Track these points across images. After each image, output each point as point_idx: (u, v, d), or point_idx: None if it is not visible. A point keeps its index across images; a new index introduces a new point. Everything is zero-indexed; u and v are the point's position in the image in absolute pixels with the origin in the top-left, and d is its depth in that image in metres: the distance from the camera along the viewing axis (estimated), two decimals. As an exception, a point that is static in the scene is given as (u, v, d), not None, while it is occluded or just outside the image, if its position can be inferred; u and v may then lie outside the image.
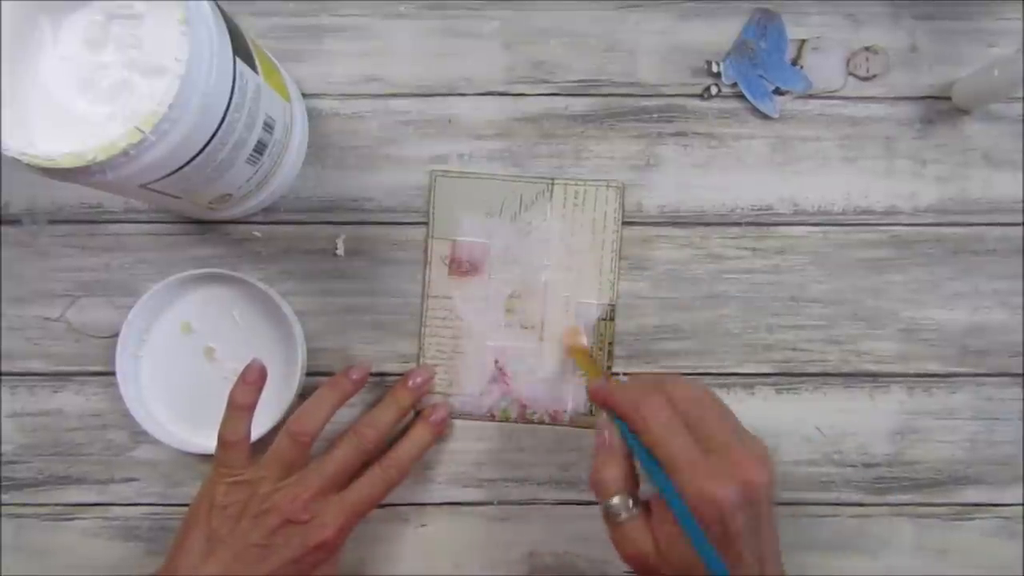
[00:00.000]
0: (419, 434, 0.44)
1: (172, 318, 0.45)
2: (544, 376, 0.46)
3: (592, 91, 0.47)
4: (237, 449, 0.40)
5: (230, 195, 0.40)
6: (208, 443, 0.44)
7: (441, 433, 0.45)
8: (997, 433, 0.46)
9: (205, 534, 0.38)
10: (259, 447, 0.41)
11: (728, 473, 0.31)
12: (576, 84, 0.47)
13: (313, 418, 0.41)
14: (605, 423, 0.37)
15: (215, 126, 0.33)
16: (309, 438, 0.40)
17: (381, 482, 0.41)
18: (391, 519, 0.46)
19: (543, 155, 0.46)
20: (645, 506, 0.35)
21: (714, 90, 0.46)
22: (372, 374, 0.46)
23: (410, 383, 0.44)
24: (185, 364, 0.45)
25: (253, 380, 0.40)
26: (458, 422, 0.46)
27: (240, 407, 0.40)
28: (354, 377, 0.43)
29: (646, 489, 0.35)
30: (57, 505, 0.46)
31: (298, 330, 0.44)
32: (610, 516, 0.35)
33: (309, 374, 0.46)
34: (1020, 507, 0.46)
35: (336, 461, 0.41)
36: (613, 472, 0.35)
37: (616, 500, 0.34)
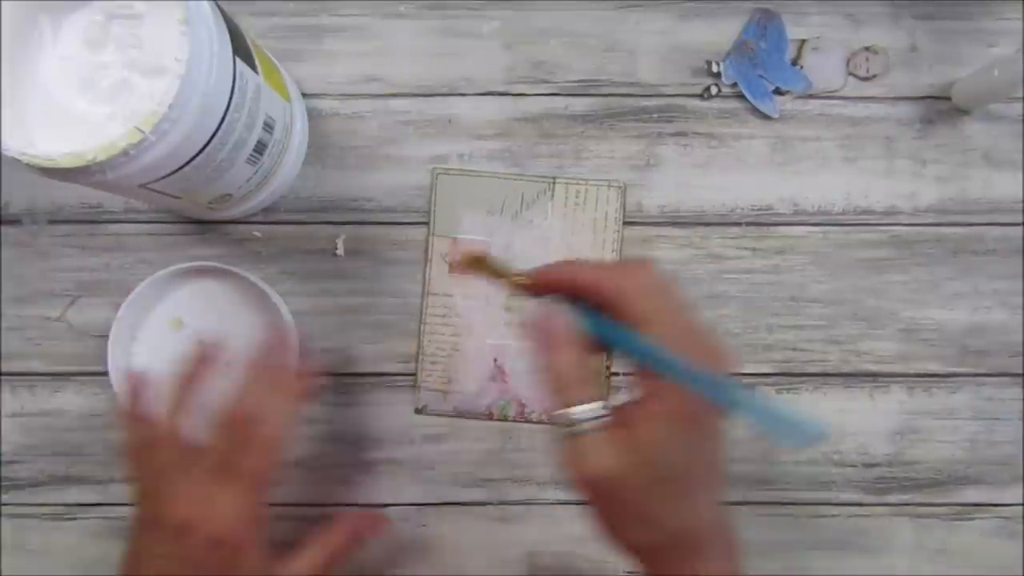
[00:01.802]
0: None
1: (162, 314, 0.45)
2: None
3: (592, 91, 0.47)
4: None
5: (230, 195, 0.40)
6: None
7: (301, 385, 0.41)
8: (997, 433, 0.46)
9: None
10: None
11: (722, 364, 0.28)
12: (576, 84, 0.47)
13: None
14: (548, 310, 0.30)
15: (215, 126, 0.33)
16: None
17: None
18: (391, 519, 0.46)
19: (543, 155, 0.46)
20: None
21: (714, 90, 0.46)
22: (373, 375, 0.46)
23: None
24: (178, 359, 0.45)
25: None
26: (458, 422, 0.46)
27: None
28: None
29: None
30: (57, 505, 0.46)
31: (288, 316, 0.44)
32: (570, 425, 0.28)
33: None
34: (1020, 507, 0.46)
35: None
36: (575, 367, 0.29)
37: (580, 409, 0.28)
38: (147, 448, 0.38)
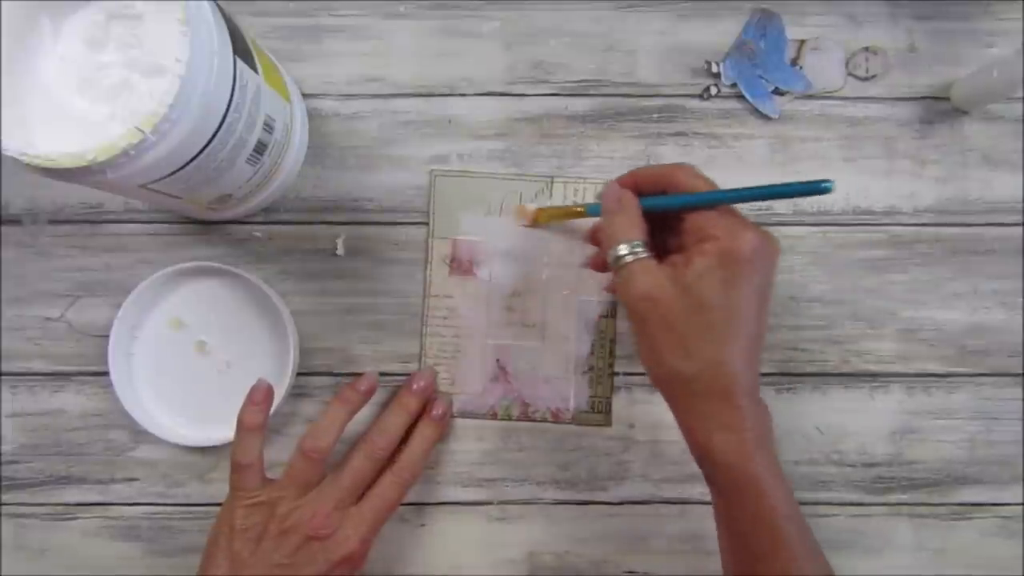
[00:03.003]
0: (424, 433, 0.44)
1: (162, 314, 0.45)
2: (546, 374, 0.46)
3: (592, 91, 0.47)
4: (251, 471, 0.40)
5: (230, 195, 0.40)
6: (205, 436, 0.44)
7: (445, 427, 0.45)
8: (996, 433, 0.47)
9: (228, 558, 0.39)
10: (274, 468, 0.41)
11: (754, 229, 0.34)
12: (576, 84, 0.47)
13: (325, 434, 0.41)
14: (615, 186, 0.37)
15: (215, 126, 0.33)
16: (322, 454, 0.40)
17: (395, 487, 0.41)
18: (391, 519, 0.46)
19: (543, 155, 0.46)
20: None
21: (714, 90, 0.46)
22: (372, 374, 0.46)
23: (415, 387, 0.44)
24: (178, 359, 0.45)
25: (260, 400, 0.40)
26: (458, 422, 0.46)
27: (250, 428, 0.40)
28: (362, 389, 0.43)
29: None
30: (57, 505, 0.46)
31: (287, 315, 0.44)
32: (618, 260, 0.35)
33: (311, 374, 0.46)
34: (1019, 507, 0.47)
35: (350, 473, 0.41)
36: (622, 220, 0.35)
37: (625, 245, 0.35)
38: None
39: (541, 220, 0.46)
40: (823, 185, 0.33)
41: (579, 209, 0.43)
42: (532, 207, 0.46)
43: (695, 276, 0.33)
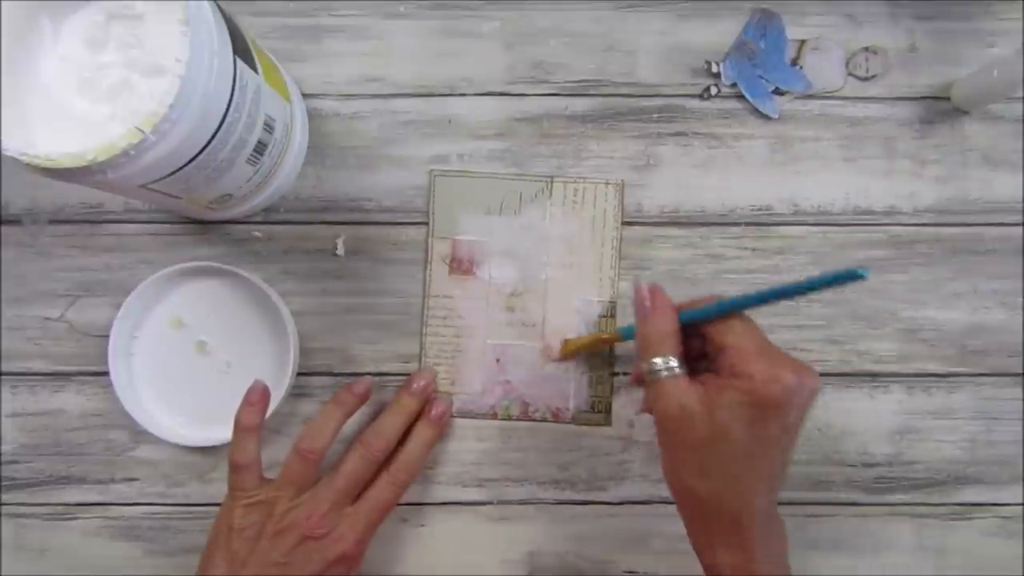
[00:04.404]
0: (422, 434, 0.44)
1: (162, 314, 0.45)
2: (546, 374, 0.46)
3: (592, 91, 0.47)
4: (249, 471, 0.40)
5: (230, 195, 0.40)
6: (205, 436, 0.44)
7: (443, 427, 0.45)
8: (996, 433, 0.47)
9: (226, 557, 0.39)
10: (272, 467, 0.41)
11: (792, 368, 0.33)
12: (576, 84, 0.47)
13: (320, 435, 0.41)
14: (647, 288, 0.37)
15: (215, 126, 0.33)
16: (318, 455, 0.41)
17: (391, 488, 0.42)
18: (391, 519, 0.46)
19: (543, 155, 0.46)
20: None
21: (714, 90, 0.46)
22: (373, 375, 0.46)
23: (413, 387, 0.44)
24: (178, 359, 0.45)
25: (257, 400, 0.41)
26: (458, 421, 0.46)
27: (247, 428, 0.40)
28: (357, 392, 0.43)
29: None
30: (57, 505, 0.46)
31: (287, 315, 0.44)
32: (652, 373, 0.34)
33: (311, 374, 0.46)
34: (1019, 507, 0.47)
35: (347, 474, 0.41)
36: (657, 330, 0.35)
37: (659, 359, 0.34)
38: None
39: (571, 351, 0.45)
40: (857, 272, 0.32)
41: (610, 336, 0.43)
42: (557, 344, 0.46)
43: (724, 407, 0.33)
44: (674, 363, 0.34)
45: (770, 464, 0.34)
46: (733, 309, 0.35)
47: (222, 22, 0.33)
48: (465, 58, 0.47)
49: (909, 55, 0.47)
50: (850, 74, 0.47)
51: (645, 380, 0.35)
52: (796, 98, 0.47)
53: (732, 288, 0.46)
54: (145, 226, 0.46)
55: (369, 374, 0.46)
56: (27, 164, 0.31)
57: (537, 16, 0.47)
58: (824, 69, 0.47)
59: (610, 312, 0.46)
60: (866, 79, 0.47)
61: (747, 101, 0.46)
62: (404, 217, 0.46)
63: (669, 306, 0.36)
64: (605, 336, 0.44)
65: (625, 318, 0.46)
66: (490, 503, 0.47)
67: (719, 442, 0.33)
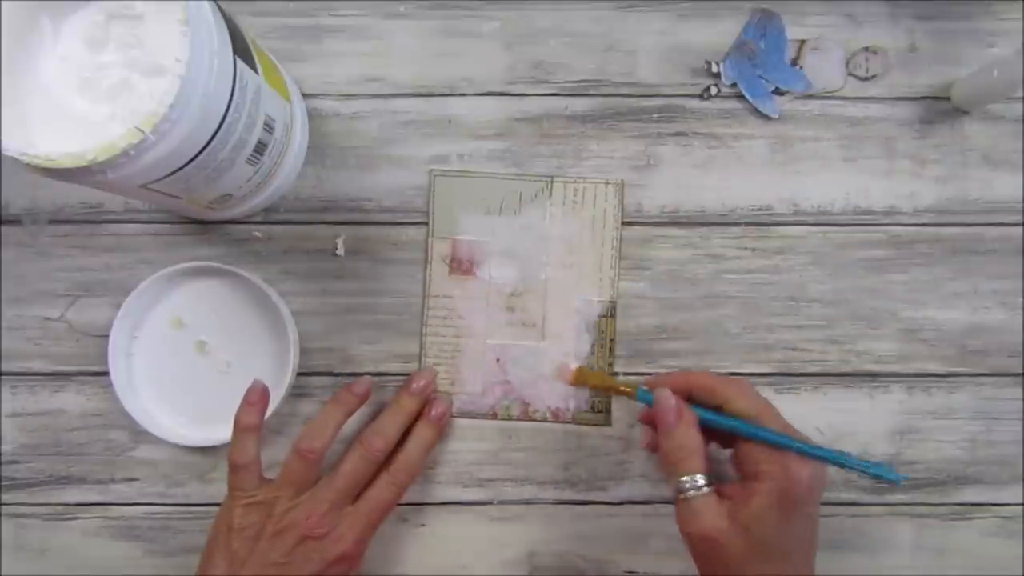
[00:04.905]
0: (421, 434, 0.44)
1: (162, 314, 0.45)
2: (546, 374, 0.46)
3: (592, 91, 0.47)
4: (248, 471, 0.40)
5: (230, 195, 0.40)
6: (205, 436, 0.44)
7: (443, 428, 0.45)
8: (997, 433, 0.47)
9: (226, 557, 0.39)
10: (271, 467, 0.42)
11: (812, 466, 0.36)
12: (576, 84, 0.47)
13: (319, 434, 0.41)
14: (672, 398, 0.38)
15: (215, 126, 0.33)
16: (317, 455, 0.41)
17: (391, 488, 0.42)
18: (391, 519, 0.46)
19: (543, 155, 0.46)
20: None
21: (714, 90, 0.46)
22: (373, 375, 0.46)
23: (413, 387, 0.44)
24: (178, 359, 0.45)
25: (256, 400, 0.41)
26: (458, 421, 0.46)
27: (245, 429, 0.40)
28: (357, 392, 0.43)
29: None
30: (57, 505, 0.46)
31: (287, 315, 0.44)
32: (682, 491, 0.36)
33: (311, 374, 0.46)
34: (1019, 507, 0.47)
35: (346, 474, 0.41)
36: (683, 449, 0.37)
37: (688, 477, 0.36)
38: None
39: (581, 381, 0.46)
40: (897, 476, 0.36)
41: (625, 389, 0.43)
42: (573, 367, 0.46)
43: (753, 517, 0.35)
44: (701, 481, 0.36)
45: (803, 549, 0.36)
46: (753, 438, 0.37)
47: (222, 22, 0.33)
48: (465, 58, 0.47)
49: (909, 55, 0.47)
50: (850, 74, 0.47)
51: (674, 497, 0.37)
52: (796, 98, 0.47)
53: (732, 288, 0.46)
54: (145, 226, 0.46)
55: (369, 374, 0.46)
56: (27, 164, 0.31)
57: (537, 16, 0.47)
58: (824, 69, 0.47)
59: (610, 312, 0.46)
60: (866, 79, 0.47)
61: (747, 101, 0.46)
62: (404, 217, 0.46)
63: (693, 421, 0.38)
64: (621, 388, 0.43)
65: (625, 318, 0.46)
66: (490, 503, 0.47)
67: (754, 552, 0.34)
